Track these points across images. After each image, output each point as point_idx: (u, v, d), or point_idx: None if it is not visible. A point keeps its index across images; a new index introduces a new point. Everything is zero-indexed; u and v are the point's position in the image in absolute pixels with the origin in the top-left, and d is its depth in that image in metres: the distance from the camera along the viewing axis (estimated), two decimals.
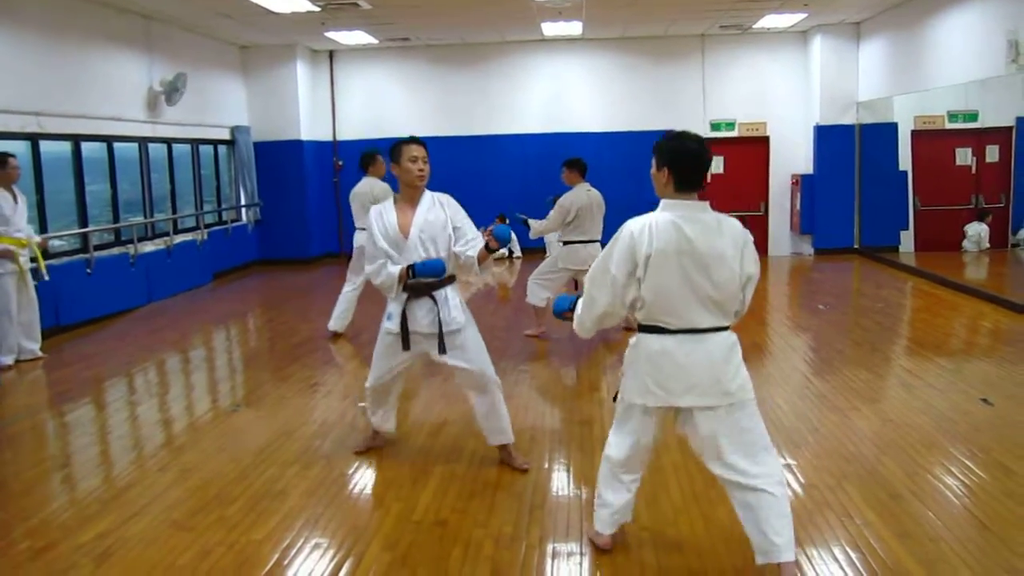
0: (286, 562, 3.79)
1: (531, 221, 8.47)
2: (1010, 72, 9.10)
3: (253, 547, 3.93)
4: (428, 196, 4.71)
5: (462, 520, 4.16)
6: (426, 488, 4.61)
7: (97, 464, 5.39)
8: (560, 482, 4.69)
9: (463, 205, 4.81)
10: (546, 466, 4.90)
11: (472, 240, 4.61)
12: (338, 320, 8.57)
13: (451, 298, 4.63)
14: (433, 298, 4.57)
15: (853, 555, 3.71)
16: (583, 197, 7.91)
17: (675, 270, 3.17)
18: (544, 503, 4.37)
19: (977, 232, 13.46)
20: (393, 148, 4.67)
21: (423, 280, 4.55)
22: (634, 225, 3.28)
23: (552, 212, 8.02)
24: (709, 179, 3.62)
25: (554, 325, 8.39)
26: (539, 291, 8.19)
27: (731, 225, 3.25)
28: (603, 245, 7.99)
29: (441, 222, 4.61)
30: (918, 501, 4.26)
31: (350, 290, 8.56)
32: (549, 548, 3.86)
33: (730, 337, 3.30)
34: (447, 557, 3.79)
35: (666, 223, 3.21)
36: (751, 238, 3.28)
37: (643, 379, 3.33)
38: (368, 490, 4.70)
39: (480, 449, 5.12)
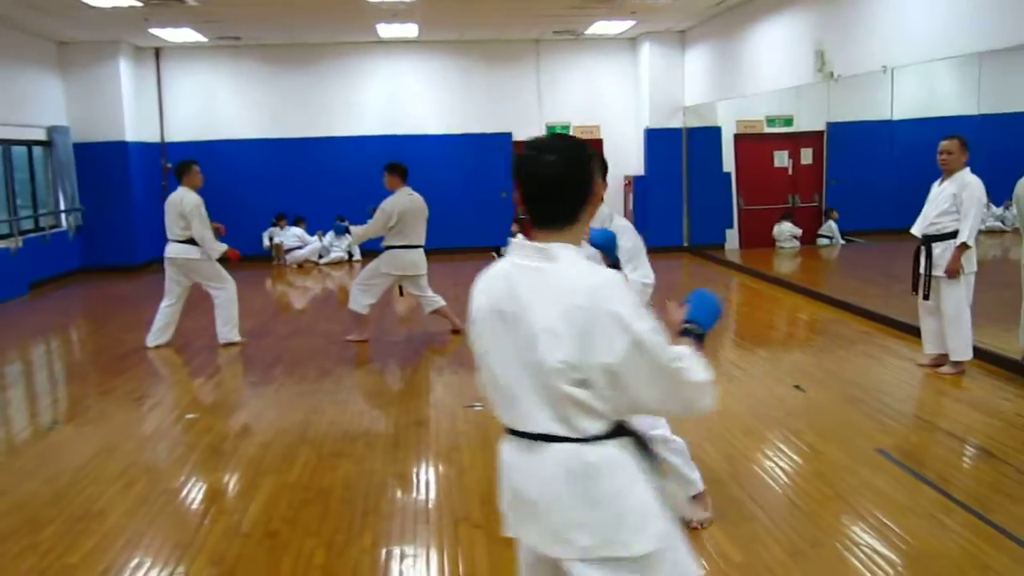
0: None
1: (353, 227, 8.40)
2: (817, 80, 9.76)
3: (67, 572, 3.72)
4: None
5: (293, 530, 4.08)
6: (255, 499, 4.49)
7: None
8: (394, 485, 4.68)
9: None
10: (380, 468, 4.88)
11: None
12: (157, 335, 8.21)
13: None
14: None
15: None
16: (405, 201, 7.86)
17: (497, 342, 2.11)
18: (377, 507, 4.34)
19: (786, 230, 14.31)
20: None
21: None
22: (479, 278, 2.24)
23: (374, 216, 7.94)
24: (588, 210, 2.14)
25: (380, 330, 8.42)
26: (361, 297, 8.09)
27: (577, 286, 1.97)
28: (426, 251, 8.11)
29: None
30: (735, 484, 4.51)
31: (168, 305, 8.22)
32: (382, 552, 3.85)
33: (581, 455, 2.02)
34: (277, 569, 3.71)
35: (500, 273, 2.14)
36: (621, 308, 1.95)
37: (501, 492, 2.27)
38: (194, 505, 4.53)
39: (313, 458, 5.04)
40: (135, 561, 3.81)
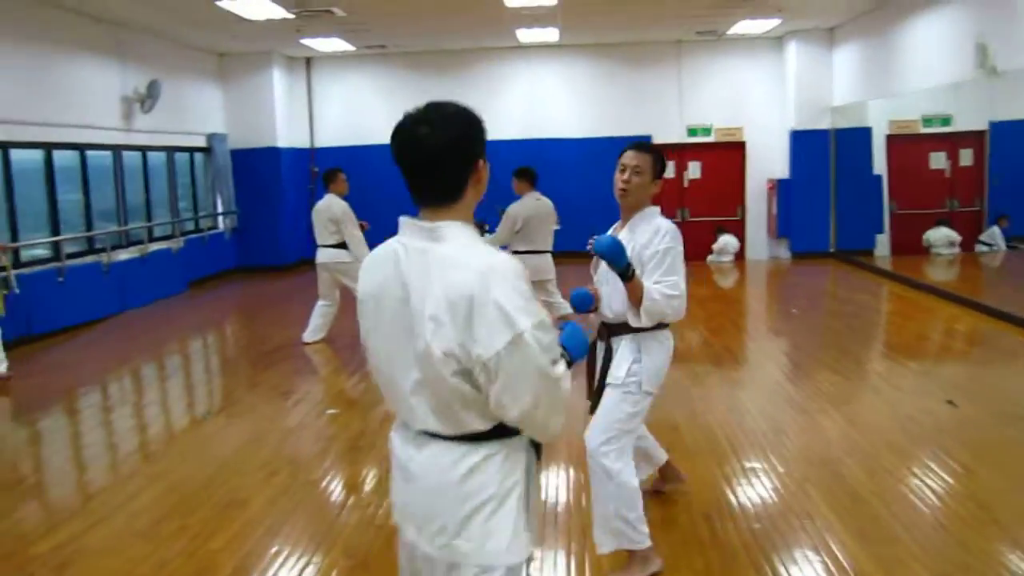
0: (244, 571, 3.77)
1: (487, 235, 8.45)
2: (978, 76, 9.18)
3: (211, 556, 3.91)
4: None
5: None
6: (389, 494, 4.59)
7: (63, 474, 5.36)
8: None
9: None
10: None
11: None
12: (313, 333, 8.55)
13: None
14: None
15: (811, 556, 3.73)
16: (530, 206, 7.85)
17: (380, 326, 1.99)
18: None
19: (942, 236, 13.52)
20: None
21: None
22: (366, 257, 2.14)
23: (500, 224, 7.96)
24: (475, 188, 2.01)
25: None
26: None
27: (464, 270, 1.84)
28: (565, 254, 8.05)
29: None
30: (879, 502, 4.28)
31: (325, 305, 8.56)
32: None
33: (462, 455, 1.93)
34: None
35: (387, 253, 2.01)
36: (508, 298, 1.80)
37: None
38: (332, 497, 4.68)
39: None
40: (274, 549, 3.96)
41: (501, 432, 1.94)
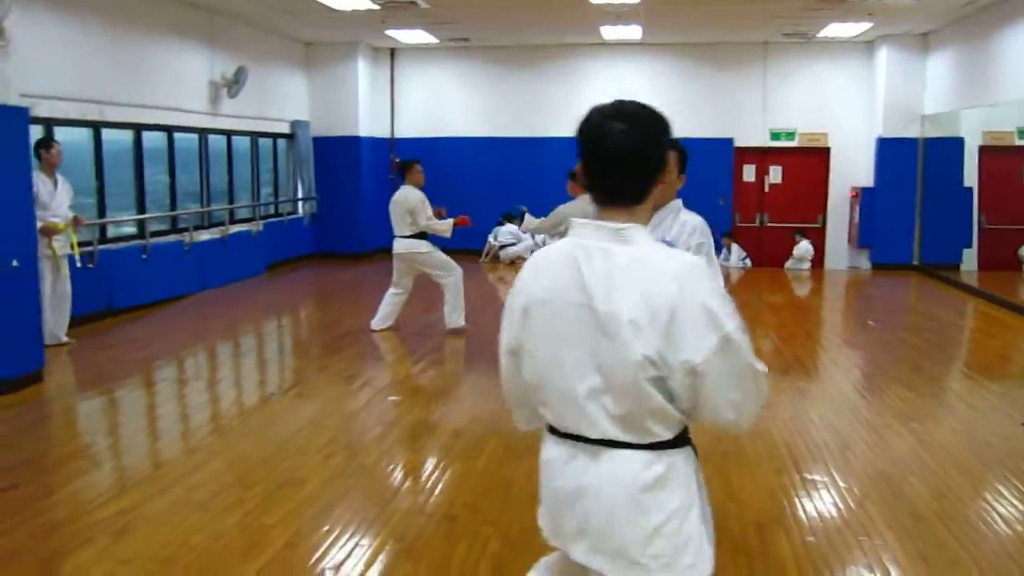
0: (293, 547, 3.84)
1: (528, 215, 8.35)
2: None
3: (264, 531, 3.99)
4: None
5: (472, 516, 4.17)
6: (441, 483, 4.63)
7: (129, 444, 5.54)
8: None
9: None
10: None
11: None
12: (381, 321, 8.66)
13: None
14: None
15: (864, 574, 3.62)
16: (579, 209, 7.74)
17: (552, 332, 1.87)
18: None
19: None
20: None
21: None
22: (531, 259, 2.04)
23: (550, 215, 7.85)
24: (673, 182, 2.61)
25: None
26: None
27: (662, 272, 1.78)
28: None
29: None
30: (942, 524, 4.13)
31: (395, 294, 8.66)
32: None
33: (650, 465, 1.84)
34: (453, 552, 3.80)
35: (562, 256, 1.89)
36: (712, 300, 1.77)
37: (542, 497, 2.07)
38: (384, 482, 4.74)
39: (500, 449, 5.12)
40: (325, 528, 4.03)
41: (681, 441, 1.89)
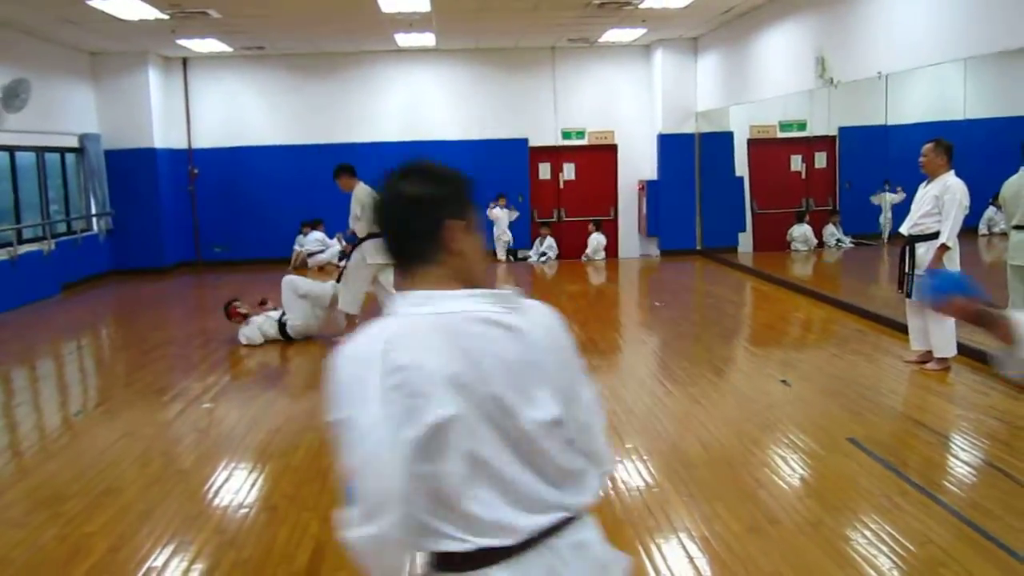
0: (117, 550, 3.97)
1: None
2: (819, 86, 9.99)
3: (85, 539, 4.09)
4: None
5: (291, 505, 4.43)
6: (260, 479, 4.85)
7: None
8: None
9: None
10: None
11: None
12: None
13: None
14: None
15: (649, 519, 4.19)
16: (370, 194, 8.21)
17: (471, 415, 1.61)
18: None
19: (802, 233, 14.52)
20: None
21: None
22: None
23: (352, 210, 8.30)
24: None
25: None
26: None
27: (541, 327, 1.70)
28: None
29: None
30: (707, 469, 4.79)
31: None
32: None
33: (596, 536, 1.73)
34: (275, 537, 4.05)
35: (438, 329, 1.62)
36: (575, 353, 1.75)
37: None
38: (203, 483, 4.89)
39: (316, 443, 5.38)
40: (146, 530, 4.17)
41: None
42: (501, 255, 14.54)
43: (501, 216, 14.39)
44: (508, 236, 14.59)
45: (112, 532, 4.16)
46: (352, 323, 8.30)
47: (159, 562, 3.85)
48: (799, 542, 3.86)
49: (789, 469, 4.77)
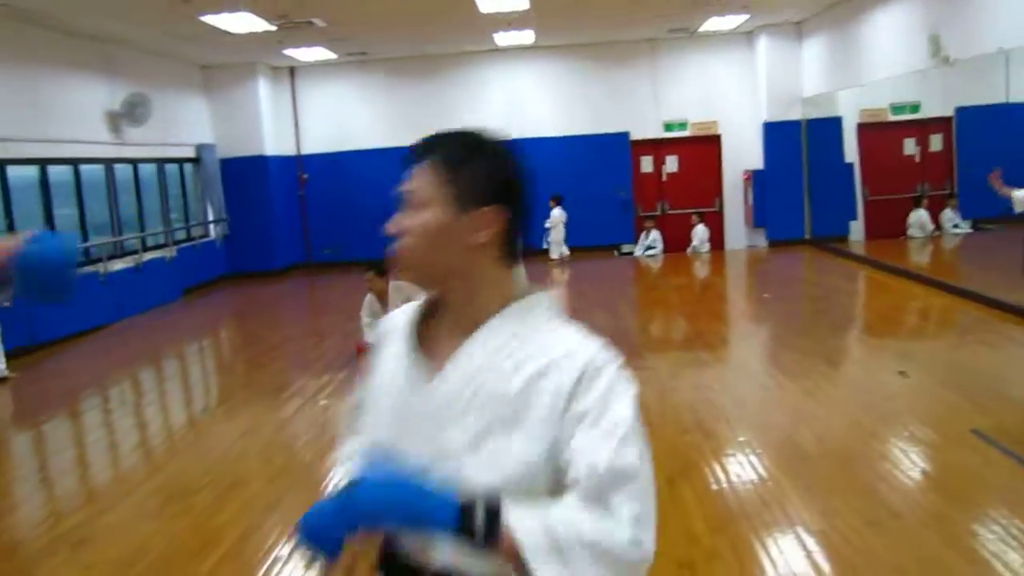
0: (246, 540, 4.15)
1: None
2: (932, 66, 9.61)
3: (215, 530, 4.29)
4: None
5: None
6: None
7: (71, 467, 5.73)
8: None
9: None
10: None
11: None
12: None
13: None
14: None
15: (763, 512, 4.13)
16: None
17: None
18: None
19: (918, 219, 13.98)
20: None
21: None
22: None
23: None
24: None
25: None
26: None
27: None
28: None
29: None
30: (824, 461, 4.69)
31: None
32: None
33: None
34: None
35: None
36: None
37: None
38: (325, 476, 5.05)
39: None
40: (273, 521, 4.35)
41: None
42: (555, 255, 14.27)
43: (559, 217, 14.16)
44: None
45: (240, 523, 4.35)
46: None
47: (285, 551, 4.00)
48: (923, 537, 3.74)
49: (909, 462, 4.62)
